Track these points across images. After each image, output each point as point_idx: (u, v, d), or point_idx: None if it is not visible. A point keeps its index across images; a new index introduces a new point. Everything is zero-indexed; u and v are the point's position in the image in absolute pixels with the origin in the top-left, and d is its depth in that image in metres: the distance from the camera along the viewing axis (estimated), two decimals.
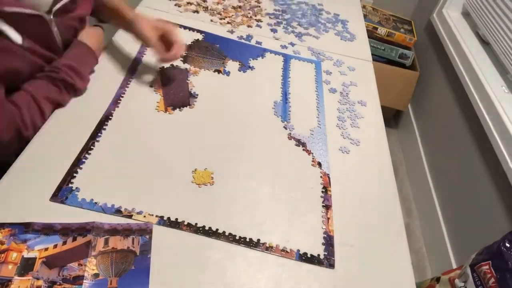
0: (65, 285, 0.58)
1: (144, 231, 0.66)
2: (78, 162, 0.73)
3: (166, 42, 0.90)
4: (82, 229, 0.64)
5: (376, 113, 1.05)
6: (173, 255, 0.64)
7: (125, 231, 0.65)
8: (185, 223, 0.68)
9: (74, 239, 0.63)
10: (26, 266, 0.58)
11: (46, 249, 0.61)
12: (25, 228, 0.62)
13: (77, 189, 0.69)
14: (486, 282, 0.99)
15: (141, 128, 0.83)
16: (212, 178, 0.77)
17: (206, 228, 0.69)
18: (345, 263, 0.70)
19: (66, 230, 0.63)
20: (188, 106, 0.91)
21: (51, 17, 0.78)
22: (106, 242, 0.63)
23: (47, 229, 0.63)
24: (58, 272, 0.59)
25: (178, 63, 1.01)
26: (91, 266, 0.60)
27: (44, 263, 0.59)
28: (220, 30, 1.18)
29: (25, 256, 0.59)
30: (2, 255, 0.59)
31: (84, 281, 0.59)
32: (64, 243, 0.62)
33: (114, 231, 0.65)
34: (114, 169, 0.74)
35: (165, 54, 0.89)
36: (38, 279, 0.58)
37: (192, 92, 0.94)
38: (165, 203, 0.71)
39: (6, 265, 0.58)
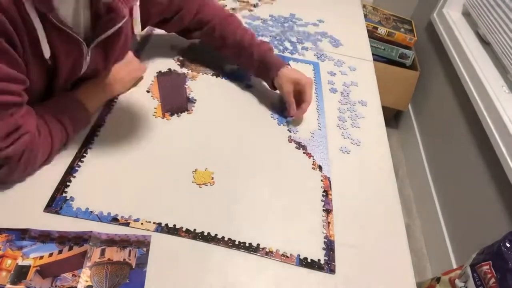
0: None
1: (142, 244, 0.64)
2: (71, 171, 0.72)
3: (298, 95, 0.93)
4: (79, 238, 0.62)
5: (377, 113, 1.05)
6: (171, 260, 0.64)
7: (123, 242, 0.64)
8: (184, 229, 0.67)
9: (70, 248, 0.61)
10: (19, 274, 0.57)
11: (41, 258, 0.60)
12: (22, 234, 0.61)
13: (72, 198, 0.68)
14: (486, 282, 0.99)
15: (136, 133, 0.82)
16: (213, 178, 0.77)
17: (205, 233, 0.68)
18: (345, 264, 0.70)
19: (63, 239, 0.62)
20: (186, 112, 0.90)
21: (87, 47, 0.70)
22: (102, 253, 0.62)
23: (44, 237, 0.62)
24: (51, 282, 0.58)
25: (176, 67, 1.00)
26: (85, 278, 0.59)
27: (38, 272, 0.58)
28: None
29: (19, 263, 0.58)
30: None
31: None
32: (60, 252, 0.61)
33: (111, 241, 0.63)
34: (109, 176, 0.73)
35: (294, 110, 0.92)
36: None
37: (190, 97, 0.93)
38: (164, 207, 0.70)
39: (0, 272, 0.57)
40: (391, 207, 0.82)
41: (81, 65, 0.72)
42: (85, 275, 0.59)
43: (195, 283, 0.62)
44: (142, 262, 0.62)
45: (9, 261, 0.58)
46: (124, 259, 0.62)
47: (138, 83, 0.93)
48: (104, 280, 0.59)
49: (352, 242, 0.73)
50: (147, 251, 0.64)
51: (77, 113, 0.76)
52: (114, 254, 0.62)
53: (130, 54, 0.89)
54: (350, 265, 0.70)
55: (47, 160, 0.71)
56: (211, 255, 0.66)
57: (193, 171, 0.77)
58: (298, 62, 1.14)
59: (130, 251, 0.63)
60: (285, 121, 0.94)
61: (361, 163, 0.90)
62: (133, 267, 0.62)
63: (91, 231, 0.63)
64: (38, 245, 0.61)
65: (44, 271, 0.58)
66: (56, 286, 0.57)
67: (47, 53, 0.63)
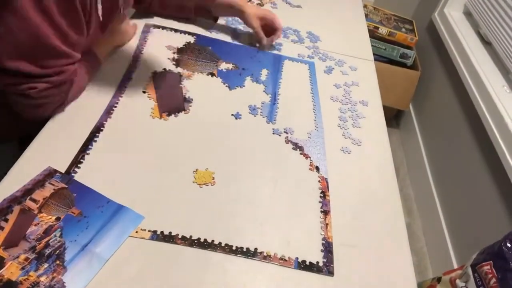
0: (43, 240, 0.61)
1: (50, 174, 0.70)
2: (68, 176, 0.71)
3: (268, 27, 1.13)
4: (3, 210, 0.64)
5: (378, 113, 1.05)
6: (168, 268, 0.63)
7: (37, 184, 0.68)
8: (180, 236, 0.67)
9: (6, 220, 0.63)
10: None
11: None
12: None
13: None
14: (487, 282, 0.99)
15: (135, 138, 0.81)
16: (213, 178, 0.77)
17: (202, 240, 0.67)
18: (346, 265, 0.70)
19: None
20: (183, 112, 0.89)
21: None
22: (34, 200, 0.66)
23: None
24: (27, 241, 0.61)
25: (171, 67, 1.00)
26: (47, 218, 0.64)
27: (6, 247, 0.60)
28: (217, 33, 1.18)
29: None
30: None
31: (55, 226, 0.63)
32: (2, 228, 0.62)
33: (28, 191, 0.67)
34: (105, 183, 0.72)
35: (264, 38, 1.12)
36: (17, 257, 0.59)
37: (186, 96, 0.93)
38: (163, 210, 0.70)
39: None
40: (392, 206, 0.82)
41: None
42: (44, 217, 0.64)
43: None
44: (68, 180, 0.69)
45: None
46: (54, 189, 0.68)
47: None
48: (60, 207, 0.66)
49: (353, 242, 0.73)
50: (61, 173, 0.70)
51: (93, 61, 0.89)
52: (42, 193, 0.67)
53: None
54: (350, 265, 0.70)
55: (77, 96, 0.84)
56: (209, 262, 0.65)
57: (193, 171, 0.77)
58: (293, 61, 1.14)
59: (50, 183, 0.69)
60: (273, 120, 0.93)
61: (362, 163, 0.90)
62: (66, 186, 0.69)
63: (4, 199, 0.65)
64: None
65: (10, 243, 0.60)
66: (34, 239, 0.61)
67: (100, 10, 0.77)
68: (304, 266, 0.68)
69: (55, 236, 0.62)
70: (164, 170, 0.76)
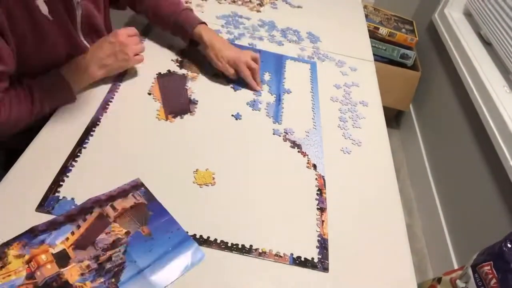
0: (108, 252, 0.61)
1: (136, 186, 0.71)
2: (65, 170, 0.71)
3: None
4: (85, 210, 0.66)
5: (378, 114, 1.05)
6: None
7: (121, 193, 0.69)
8: None
9: (85, 220, 0.64)
10: (62, 258, 0.60)
11: (67, 239, 0.62)
12: (31, 233, 0.62)
13: (64, 198, 0.67)
14: (487, 283, 0.99)
15: (132, 133, 0.81)
16: (214, 178, 0.77)
17: (197, 236, 0.67)
18: (346, 264, 0.70)
19: (71, 217, 0.65)
20: (189, 113, 0.90)
21: None
22: (113, 208, 0.67)
23: (54, 224, 0.63)
24: (94, 248, 0.61)
25: (175, 68, 1.00)
26: (118, 229, 0.64)
27: (76, 248, 0.61)
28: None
29: (53, 252, 0.60)
30: (32, 263, 0.58)
31: (123, 241, 0.63)
32: (79, 227, 0.63)
33: (112, 197, 0.68)
34: (103, 176, 0.72)
35: (256, 87, 1.00)
36: (82, 261, 0.59)
37: (191, 98, 0.93)
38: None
39: (44, 267, 0.58)
40: (392, 207, 0.82)
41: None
42: (116, 228, 0.64)
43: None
44: (150, 197, 0.70)
45: (43, 256, 0.60)
46: (135, 202, 0.68)
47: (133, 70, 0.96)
48: (133, 222, 0.66)
49: (353, 242, 0.73)
50: (146, 188, 0.71)
51: (60, 92, 0.80)
52: (123, 203, 0.67)
53: (119, 36, 0.85)
54: (351, 264, 0.70)
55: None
56: (205, 258, 0.65)
57: (194, 171, 0.77)
58: (296, 61, 1.14)
59: (133, 195, 0.68)
60: (279, 120, 0.94)
61: (362, 163, 0.90)
62: (146, 203, 0.69)
63: (89, 199, 0.66)
64: (54, 233, 0.62)
65: (81, 244, 0.61)
66: (101, 248, 0.61)
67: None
68: (299, 262, 0.68)
69: (119, 251, 0.62)
70: (164, 170, 0.77)
